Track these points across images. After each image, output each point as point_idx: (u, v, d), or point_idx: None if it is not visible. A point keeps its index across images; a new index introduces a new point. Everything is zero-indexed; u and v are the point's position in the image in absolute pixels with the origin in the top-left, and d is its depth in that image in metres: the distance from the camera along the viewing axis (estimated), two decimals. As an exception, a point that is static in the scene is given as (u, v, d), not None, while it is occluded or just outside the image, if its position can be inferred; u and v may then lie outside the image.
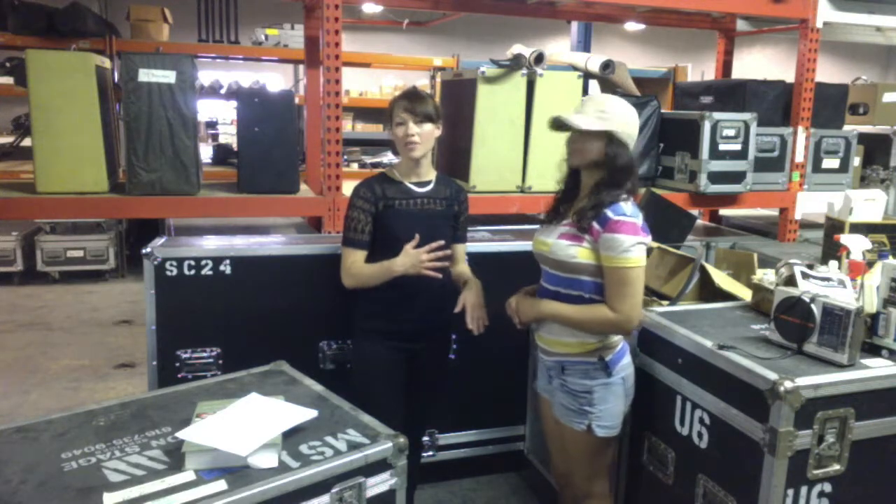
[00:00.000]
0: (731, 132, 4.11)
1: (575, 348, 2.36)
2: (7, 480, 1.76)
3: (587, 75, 4.33)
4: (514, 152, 3.86)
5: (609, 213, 2.24)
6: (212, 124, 9.20)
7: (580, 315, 2.32)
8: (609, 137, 2.28)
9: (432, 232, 2.63)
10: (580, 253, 2.29)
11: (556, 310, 2.37)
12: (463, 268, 2.84)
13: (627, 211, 2.24)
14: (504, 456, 3.49)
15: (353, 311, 2.71)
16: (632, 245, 2.21)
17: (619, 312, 2.24)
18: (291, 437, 1.96)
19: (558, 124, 2.37)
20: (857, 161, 4.86)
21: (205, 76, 7.82)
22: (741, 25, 5.09)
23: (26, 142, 6.08)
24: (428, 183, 2.67)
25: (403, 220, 2.59)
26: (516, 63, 3.81)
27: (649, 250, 2.47)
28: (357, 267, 2.60)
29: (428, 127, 2.57)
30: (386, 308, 2.63)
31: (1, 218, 3.58)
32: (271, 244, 3.14)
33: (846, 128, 4.77)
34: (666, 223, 3.59)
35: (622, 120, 2.30)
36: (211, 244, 3.15)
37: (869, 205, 3.18)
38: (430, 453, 3.38)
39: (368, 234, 2.59)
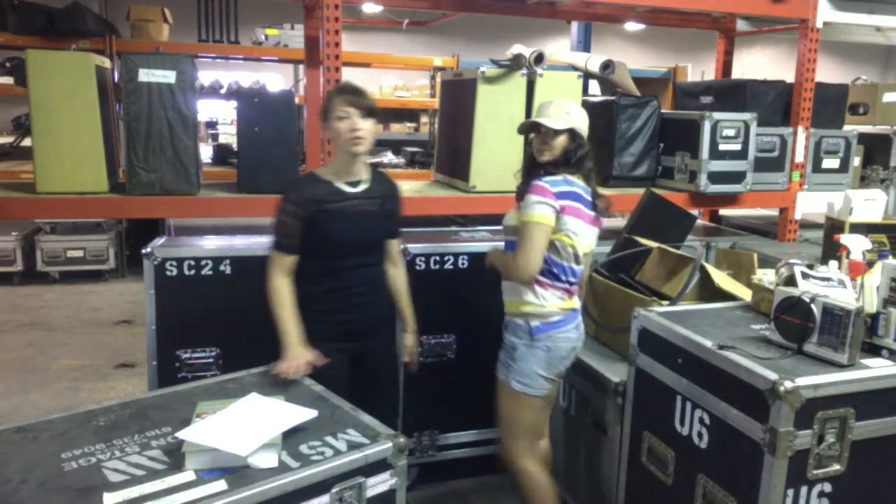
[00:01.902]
0: (731, 132, 4.11)
1: (511, 307, 2.68)
2: (7, 480, 1.76)
3: (587, 75, 4.33)
4: (514, 152, 3.86)
5: (536, 180, 2.58)
6: (212, 124, 9.20)
7: (498, 260, 2.71)
8: (572, 133, 2.62)
9: (367, 233, 2.61)
10: (513, 217, 2.66)
11: (492, 255, 2.77)
12: (398, 273, 2.81)
13: (548, 179, 2.57)
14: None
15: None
16: (535, 203, 2.52)
17: (514, 262, 2.56)
18: (291, 437, 1.96)
19: (531, 127, 2.70)
20: (857, 161, 4.86)
21: (205, 76, 7.82)
22: (741, 25, 5.09)
23: (26, 142, 6.09)
24: (359, 182, 2.59)
25: (337, 223, 2.53)
26: (516, 63, 3.81)
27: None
28: (283, 291, 2.49)
29: (370, 122, 2.53)
30: (327, 309, 2.59)
31: (1, 218, 3.58)
32: (271, 244, 3.14)
33: (846, 128, 4.77)
34: (666, 223, 3.59)
35: (581, 118, 2.66)
36: (211, 244, 3.15)
37: (869, 205, 3.18)
38: (430, 453, 3.39)
39: (298, 238, 2.50)
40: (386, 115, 9.30)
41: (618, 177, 4.26)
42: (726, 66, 5.31)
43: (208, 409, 2.04)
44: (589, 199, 2.64)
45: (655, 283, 3.13)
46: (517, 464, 2.74)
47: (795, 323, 2.18)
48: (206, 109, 9.01)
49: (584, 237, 2.61)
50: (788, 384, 1.94)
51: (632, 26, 8.77)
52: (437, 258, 3.35)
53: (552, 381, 2.69)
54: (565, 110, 2.62)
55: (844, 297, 2.19)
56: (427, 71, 9.30)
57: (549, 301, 2.60)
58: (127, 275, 7.75)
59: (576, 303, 2.69)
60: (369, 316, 2.66)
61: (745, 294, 2.77)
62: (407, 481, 2.05)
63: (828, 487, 2.06)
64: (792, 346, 2.19)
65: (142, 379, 4.13)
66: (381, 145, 8.58)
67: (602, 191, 4.29)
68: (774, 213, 4.98)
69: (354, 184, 2.58)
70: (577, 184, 2.61)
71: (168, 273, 2.98)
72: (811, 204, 4.53)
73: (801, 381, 1.97)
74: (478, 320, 2.95)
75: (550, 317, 2.60)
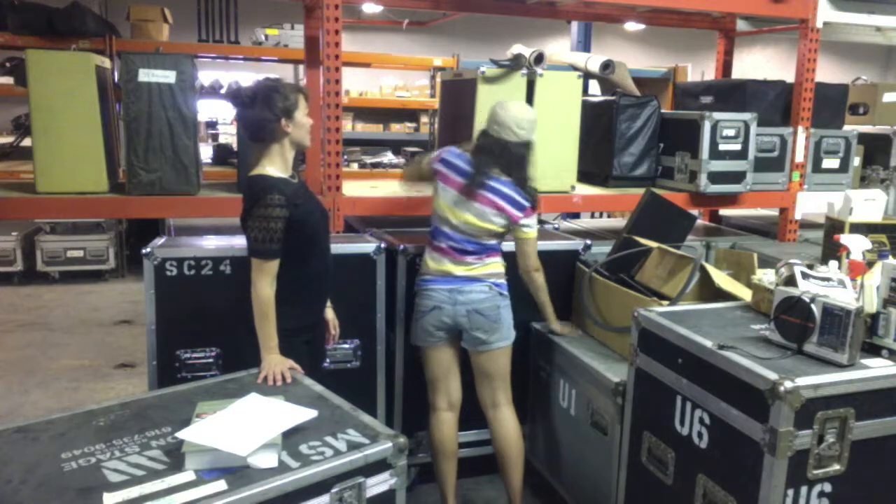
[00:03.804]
0: (731, 132, 4.10)
1: None
2: (7, 480, 1.76)
3: (587, 75, 4.33)
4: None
5: None
6: (212, 124, 9.19)
7: None
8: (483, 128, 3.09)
9: (325, 217, 2.75)
10: None
11: None
12: None
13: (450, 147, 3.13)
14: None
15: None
16: None
17: None
18: (291, 437, 1.96)
19: None
20: (857, 161, 4.85)
21: (205, 76, 7.82)
22: (741, 25, 5.09)
23: (26, 142, 6.08)
24: (295, 174, 2.66)
25: (310, 215, 2.60)
26: (516, 63, 3.81)
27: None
28: (271, 300, 2.50)
29: None
30: (304, 303, 2.66)
31: (1, 218, 3.58)
32: (271, 244, 3.14)
33: (846, 128, 4.76)
34: (666, 223, 3.59)
35: (491, 116, 3.04)
36: (211, 244, 3.15)
37: (869, 205, 3.18)
38: (430, 453, 3.38)
39: (281, 241, 2.51)
40: (386, 115, 9.31)
41: (618, 177, 4.26)
42: (726, 66, 5.31)
43: (208, 409, 2.04)
44: (467, 168, 2.99)
45: (655, 283, 3.13)
46: None
47: (795, 323, 2.18)
48: (206, 109, 9.01)
49: (444, 199, 3.01)
50: (788, 384, 1.94)
51: (632, 26, 8.76)
52: (437, 258, 3.34)
53: (424, 333, 3.05)
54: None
55: (844, 297, 2.19)
56: (427, 71, 9.29)
57: (425, 258, 3.08)
58: (127, 275, 7.76)
59: (448, 267, 2.99)
60: (325, 302, 2.81)
61: (745, 294, 2.77)
62: (407, 481, 2.05)
63: (828, 487, 2.06)
64: (792, 346, 2.19)
65: (142, 379, 4.13)
66: (381, 145, 8.59)
67: (602, 191, 4.32)
68: (774, 213, 4.98)
69: (294, 176, 2.65)
70: (465, 158, 3.02)
71: (168, 273, 2.98)
72: (811, 204, 4.53)
73: (801, 381, 1.97)
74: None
75: (422, 274, 3.07)
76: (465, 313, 2.97)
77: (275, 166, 2.56)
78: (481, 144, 3.02)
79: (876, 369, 2.08)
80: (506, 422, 3.11)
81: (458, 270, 2.99)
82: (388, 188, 4.24)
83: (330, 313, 2.92)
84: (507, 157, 2.97)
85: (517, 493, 3.13)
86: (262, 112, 2.50)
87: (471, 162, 3.00)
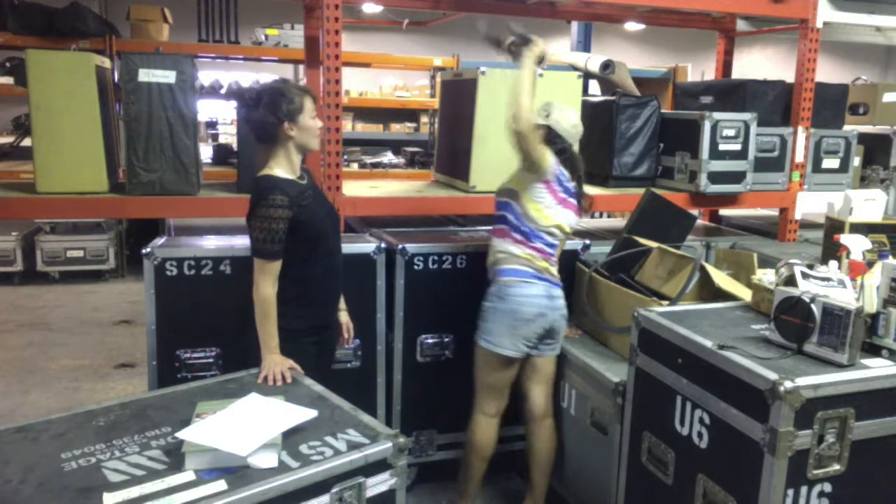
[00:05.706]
0: (731, 132, 4.10)
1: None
2: (7, 480, 1.76)
3: (587, 75, 4.32)
4: (514, 152, 3.85)
5: None
6: (212, 124, 9.19)
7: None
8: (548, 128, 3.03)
9: (335, 220, 2.75)
10: (509, 180, 3.18)
11: None
12: None
13: None
14: (504, 456, 3.49)
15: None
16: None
17: None
18: (291, 437, 1.96)
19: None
20: (857, 161, 4.85)
21: (205, 76, 7.82)
22: (741, 25, 5.08)
23: (26, 142, 6.09)
24: (303, 175, 2.66)
25: (315, 216, 2.59)
26: (522, 40, 3.78)
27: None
28: (273, 301, 2.51)
29: None
30: (312, 304, 2.65)
31: (1, 218, 3.58)
32: (271, 244, 3.14)
33: (846, 128, 4.76)
34: (666, 223, 3.59)
35: (558, 118, 3.04)
36: (211, 244, 3.15)
37: (869, 205, 3.18)
38: (430, 453, 3.39)
39: (283, 241, 2.52)
40: (386, 115, 9.31)
41: (618, 177, 4.26)
42: (726, 66, 5.31)
43: (208, 409, 2.04)
44: (570, 187, 3.01)
45: (655, 283, 3.13)
46: None
47: (795, 323, 2.18)
48: (206, 109, 9.00)
49: (558, 216, 2.97)
50: (788, 384, 1.94)
51: (632, 26, 8.76)
52: (436, 258, 3.35)
53: (524, 341, 2.97)
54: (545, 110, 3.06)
55: (844, 297, 2.19)
56: (427, 71, 9.30)
57: (522, 253, 3.00)
58: (127, 275, 7.76)
59: (548, 266, 2.98)
60: (335, 303, 2.80)
61: (745, 294, 2.77)
62: (407, 481, 2.05)
63: (828, 487, 2.06)
64: (792, 346, 2.19)
65: (142, 379, 4.13)
66: (381, 145, 8.59)
67: (602, 191, 4.33)
68: (774, 213, 4.98)
69: (302, 177, 2.64)
70: (566, 176, 3.00)
71: (168, 273, 2.98)
72: (811, 204, 4.53)
73: (801, 381, 1.97)
74: (476, 320, 2.95)
75: (520, 269, 2.99)
76: (560, 318, 3.01)
77: (281, 167, 2.57)
78: (571, 159, 3.04)
79: (876, 369, 2.08)
80: (552, 432, 3.15)
81: (554, 271, 3.01)
82: (388, 188, 4.24)
83: (344, 316, 2.89)
84: (580, 165, 3.10)
85: (544, 495, 3.17)
86: (265, 115, 2.50)
87: (569, 179, 3.01)
